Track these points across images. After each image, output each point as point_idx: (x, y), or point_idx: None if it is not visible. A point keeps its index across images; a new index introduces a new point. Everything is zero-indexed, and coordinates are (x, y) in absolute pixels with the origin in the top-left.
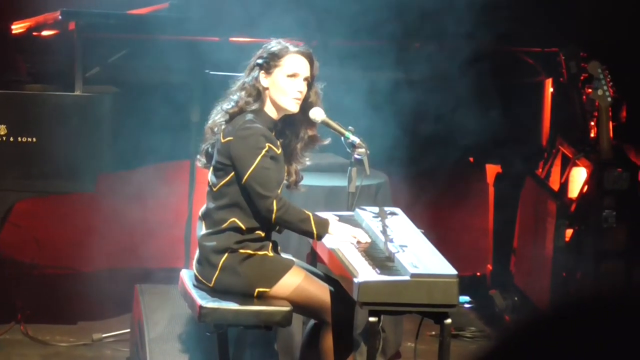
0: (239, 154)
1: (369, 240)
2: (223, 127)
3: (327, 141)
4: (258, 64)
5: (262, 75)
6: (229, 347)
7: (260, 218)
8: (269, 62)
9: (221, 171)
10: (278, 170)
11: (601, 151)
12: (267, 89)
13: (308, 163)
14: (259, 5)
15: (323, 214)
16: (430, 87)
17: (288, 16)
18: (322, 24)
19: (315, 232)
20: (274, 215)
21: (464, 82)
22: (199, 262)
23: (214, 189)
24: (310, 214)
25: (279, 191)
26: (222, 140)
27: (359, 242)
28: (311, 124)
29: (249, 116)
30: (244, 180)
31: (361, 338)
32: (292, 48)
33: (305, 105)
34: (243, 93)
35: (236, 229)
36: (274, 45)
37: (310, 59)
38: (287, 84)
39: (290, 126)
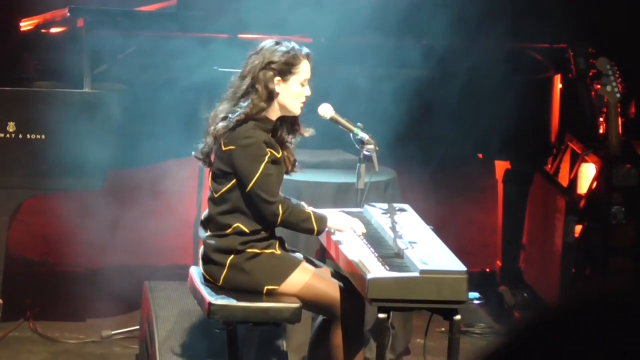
0: (242, 163)
1: (364, 230)
2: (224, 135)
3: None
4: (275, 70)
5: (277, 80)
6: (238, 344)
7: (264, 222)
8: (286, 69)
9: (221, 178)
10: (279, 173)
11: (610, 147)
12: (278, 94)
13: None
14: (268, 3)
15: (330, 210)
16: (439, 84)
17: (296, 13)
18: (330, 21)
19: (316, 228)
20: (279, 219)
21: (473, 79)
22: (205, 261)
23: (215, 195)
24: (311, 212)
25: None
26: (223, 149)
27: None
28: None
29: (251, 124)
30: (248, 188)
31: (370, 334)
32: (302, 53)
33: None
34: (255, 97)
35: (240, 233)
36: (282, 48)
37: (311, 61)
38: (299, 91)
39: (282, 120)
